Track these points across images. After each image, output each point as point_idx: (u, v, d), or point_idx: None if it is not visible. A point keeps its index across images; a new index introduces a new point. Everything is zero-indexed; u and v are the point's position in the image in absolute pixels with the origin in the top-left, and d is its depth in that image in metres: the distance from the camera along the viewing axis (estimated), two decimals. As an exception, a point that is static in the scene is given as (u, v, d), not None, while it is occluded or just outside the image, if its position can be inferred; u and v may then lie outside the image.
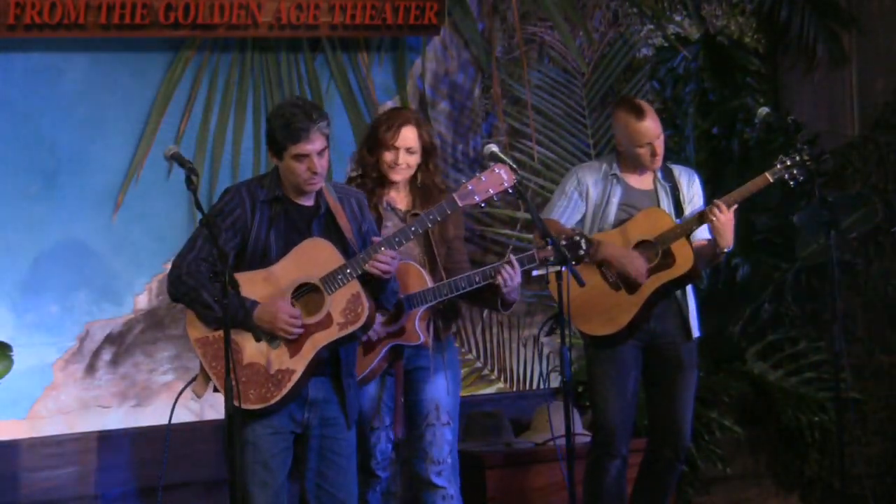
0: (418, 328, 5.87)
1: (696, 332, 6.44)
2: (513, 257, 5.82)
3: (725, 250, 6.31)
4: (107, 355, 6.83)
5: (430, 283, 5.88)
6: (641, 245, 6.30)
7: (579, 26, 7.80)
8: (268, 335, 5.30)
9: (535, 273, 5.91)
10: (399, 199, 6.01)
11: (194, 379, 5.42)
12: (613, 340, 6.33)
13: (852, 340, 8.18)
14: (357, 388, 5.57)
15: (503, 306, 5.90)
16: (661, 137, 6.37)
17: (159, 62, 6.91)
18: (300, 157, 5.29)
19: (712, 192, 6.57)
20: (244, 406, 5.27)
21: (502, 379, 7.70)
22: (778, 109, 8.15)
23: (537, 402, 7.44)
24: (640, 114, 6.31)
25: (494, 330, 7.69)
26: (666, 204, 6.42)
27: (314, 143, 5.29)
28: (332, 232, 5.42)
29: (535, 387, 7.72)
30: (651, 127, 6.32)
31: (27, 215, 6.66)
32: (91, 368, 6.80)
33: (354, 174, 6.06)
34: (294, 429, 5.39)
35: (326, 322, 5.33)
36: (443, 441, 5.98)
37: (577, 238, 5.81)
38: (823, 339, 8.01)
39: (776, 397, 7.98)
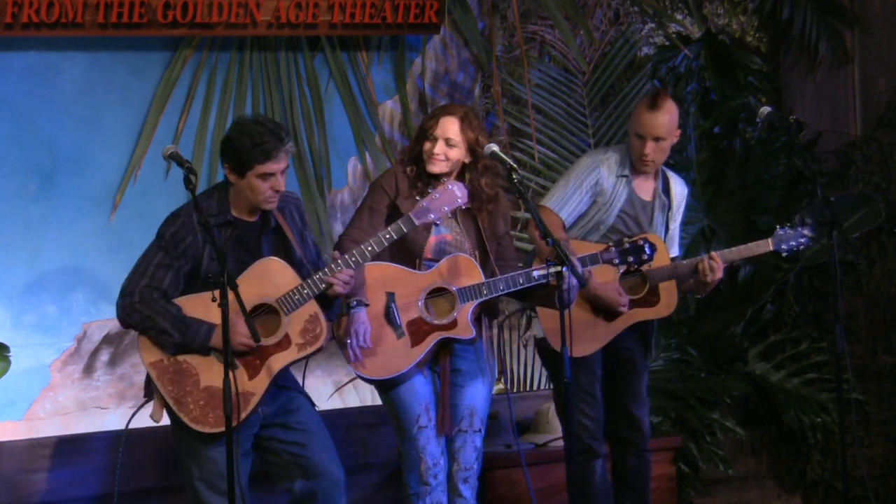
0: (471, 322, 5.80)
1: (653, 352, 6.43)
2: (575, 258, 5.62)
3: (702, 295, 6.33)
4: (105, 356, 6.80)
5: (482, 278, 5.79)
6: (632, 273, 6.19)
7: (580, 25, 7.77)
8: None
9: (535, 273, 5.85)
10: None
11: (148, 401, 5.37)
12: None
13: (854, 341, 8.17)
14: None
15: (560, 305, 5.80)
16: (661, 143, 6.17)
17: (157, 61, 6.89)
18: (265, 176, 5.28)
19: (714, 192, 6.54)
20: (203, 430, 5.24)
21: (502, 380, 7.67)
22: (780, 108, 8.13)
23: (537, 402, 7.41)
24: (652, 105, 6.17)
25: (494, 331, 7.63)
26: (659, 220, 6.33)
27: (280, 163, 5.29)
28: (281, 247, 5.40)
29: (535, 387, 7.69)
30: (657, 123, 6.14)
31: (25, 215, 6.63)
32: (89, 369, 6.77)
33: (407, 167, 5.89)
34: (253, 431, 5.37)
35: (285, 343, 5.31)
36: (472, 448, 5.92)
37: (642, 243, 5.75)
38: (825, 340, 7.99)
39: (778, 398, 7.95)
